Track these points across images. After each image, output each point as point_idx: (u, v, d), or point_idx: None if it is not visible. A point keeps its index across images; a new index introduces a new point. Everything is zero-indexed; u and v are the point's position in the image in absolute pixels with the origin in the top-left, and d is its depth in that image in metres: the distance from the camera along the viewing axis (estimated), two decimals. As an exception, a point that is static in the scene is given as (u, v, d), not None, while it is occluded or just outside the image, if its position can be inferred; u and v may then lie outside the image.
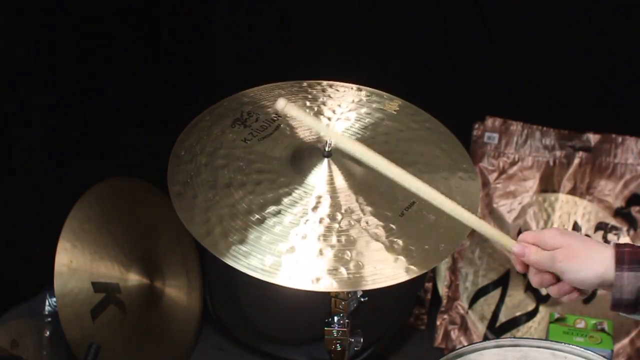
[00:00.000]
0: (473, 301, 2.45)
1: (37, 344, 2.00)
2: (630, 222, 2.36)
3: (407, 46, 2.57)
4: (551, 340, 1.44)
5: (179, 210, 1.32)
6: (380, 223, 1.33)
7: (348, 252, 1.28)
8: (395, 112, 1.56)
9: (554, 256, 1.21)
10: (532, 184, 2.44)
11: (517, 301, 2.42)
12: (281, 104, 1.24)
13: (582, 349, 1.39)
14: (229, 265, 1.25)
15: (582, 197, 2.41)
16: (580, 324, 2.08)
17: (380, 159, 1.26)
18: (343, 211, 1.33)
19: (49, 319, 2.04)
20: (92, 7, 2.20)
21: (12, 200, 2.05)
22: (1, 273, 2.06)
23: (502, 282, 2.44)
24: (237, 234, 1.28)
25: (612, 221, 2.37)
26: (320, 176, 1.37)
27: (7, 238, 2.07)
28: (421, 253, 1.31)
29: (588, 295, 2.34)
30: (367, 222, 1.32)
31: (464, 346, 1.43)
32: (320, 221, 1.31)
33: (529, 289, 2.41)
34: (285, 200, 1.33)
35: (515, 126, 2.46)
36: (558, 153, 2.43)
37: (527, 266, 1.27)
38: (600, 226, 2.38)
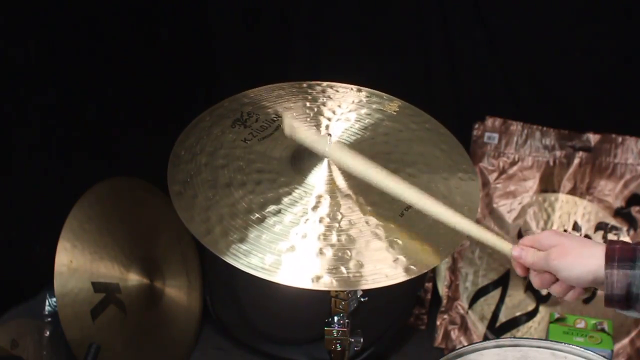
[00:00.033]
0: (473, 301, 2.45)
1: (37, 344, 2.00)
2: (630, 222, 2.36)
3: (407, 46, 2.57)
4: (551, 340, 1.44)
5: (179, 210, 1.32)
6: (380, 223, 1.33)
7: (348, 252, 1.28)
8: (394, 113, 1.56)
9: (549, 255, 1.23)
10: (532, 184, 2.44)
11: (517, 301, 2.42)
12: (288, 130, 1.35)
13: (582, 349, 1.39)
14: (229, 265, 1.25)
15: (582, 197, 2.41)
16: (580, 324, 2.08)
17: (384, 177, 1.30)
18: (343, 211, 1.33)
19: (49, 319, 2.04)
20: (92, 7, 2.20)
21: (12, 200, 2.05)
22: (1, 273, 2.06)
23: (502, 282, 2.44)
24: (237, 233, 1.28)
25: (612, 221, 2.37)
26: (320, 176, 1.37)
27: (7, 238, 2.07)
28: (421, 253, 1.31)
29: (589, 295, 2.34)
30: (367, 222, 1.32)
31: (464, 346, 1.43)
32: (320, 220, 1.31)
33: (529, 289, 2.41)
34: (285, 200, 1.33)
35: (515, 126, 2.46)
36: (558, 153, 2.43)
37: (527, 270, 1.29)
38: (600, 226, 2.38)
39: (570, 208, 2.41)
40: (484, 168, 2.47)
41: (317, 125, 1.50)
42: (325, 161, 1.39)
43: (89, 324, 2.02)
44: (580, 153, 2.41)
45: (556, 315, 2.13)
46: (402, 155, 1.47)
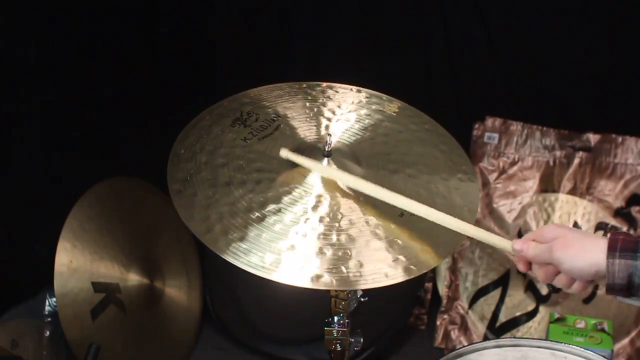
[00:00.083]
0: (473, 301, 2.45)
1: (37, 344, 2.00)
2: (630, 222, 2.36)
3: (407, 46, 2.57)
4: (551, 340, 1.44)
5: (178, 208, 1.32)
6: (380, 223, 1.33)
7: (348, 251, 1.28)
8: (394, 114, 1.56)
9: (552, 246, 1.23)
10: (532, 184, 2.44)
11: (517, 301, 2.42)
12: (284, 154, 1.38)
13: (582, 349, 1.39)
14: (229, 265, 1.25)
15: (582, 197, 2.41)
16: (580, 324, 2.08)
17: (383, 191, 1.31)
18: (343, 210, 1.33)
19: (49, 319, 2.04)
20: (92, 7, 2.20)
21: (12, 200, 2.05)
22: (1, 273, 2.06)
23: (502, 282, 2.44)
24: (237, 232, 1.28)
25: (612, 221, 2.37)
26: (320, 175, 1.37)
27: (7, 238, 2.07)
28: (421, 253, 1.31)
29: (591, 293, 2.34)
30: (367, 222, 1.33)
31: (464, 346, 1.43)
32: (321, 220, 1.31)
33: (529, 289, 2.41)
34: (286, 199, 1.33)
35: (515, 126, 2.46)
36: (558, 153, 2.43)
37: (529, 265, 1.29)
38: (600, 226, 2.38)
39: (570, 208, 2.41)
40: (484, 168, 2.47)
41: (317, 126, 1.50)
42: (325, 161, 1.39)
43: (89, 324, 2.02)
44: (580, 153, 2.41)
45: (556, 315, 2.13)
46: (402, 156, 1.47)
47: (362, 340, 1.50)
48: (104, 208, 2.15)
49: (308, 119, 1.50)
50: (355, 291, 1.44)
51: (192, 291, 2.45)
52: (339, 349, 1.47)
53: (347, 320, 1.45)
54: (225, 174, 1.37)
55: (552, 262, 1.23)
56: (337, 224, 1.31)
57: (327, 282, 1.24)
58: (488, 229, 2.41)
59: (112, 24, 2.30)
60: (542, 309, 2.39)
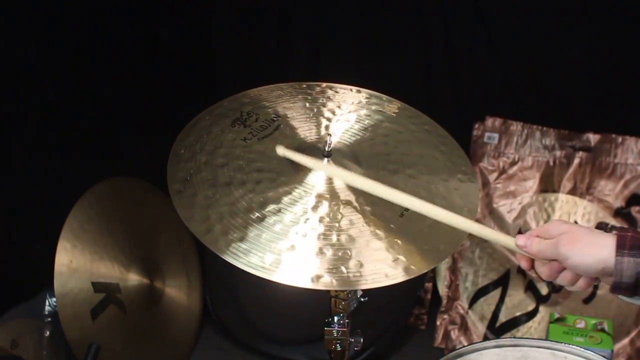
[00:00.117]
0: (473, 301, 2.45)
1: (37, 344, 2.00)
2: (630, 222, 2.36)
3: (407, 46, 2.57)
4: (551, 340, 1.44)
5: (178, 208, 1.32)
6: (380, 223, 1.33)
7: (348, 251, 1.28)
8: (394, 115, 1.56)
9: (558, 241, 1.20)
10: (532, 184, 2.44)
11: (517, 301, 2.42)
12: (280, 151, 1.37)
13: (582, 349, 1.39)
14: (229, 265, 1.25)
15: (582, 197, 2.41)
16: (580, 324, 2.08)
17: (384, 188, 1.30)
18: (343, 211, 1.33)
19: (49, 319, 2.04)
20: (92, 7, 2.20)
21: (12, 200, 2.05)
22: (1, 273, 2.06)
23: (502, 282, 2.44)
24: (237, 232, 1.28)
25: (612, 221, 2.37)
26: (320, 176, 1.37)
27: (7, 238, 2.07)
28: (421, 253, 1.31)
29: (591, 293, 2.34)
30: (367, 222, 1.33)
31: (464, 346, 1.43)
32: (321, 220, 1.31)
33: (529, 289, 2.41)
34: (286, 199, 1.33)
35: (515, 126, 2.46)
36: (558, 153, 2.43)
37: (531, 262, 1.26)
38: (600, 226, 2.37)
39: (570, 208, 2.41)
40: (484, 168, 2.47)
41: (317, 126, 1.50)
42: (325, 161, 1.39)
43: (89, 324, 2.02)
44: (580, 153, 2.41)
45: (556, 315, 2.13)
46: (402, 157, 1.47)
47: (362, 340, 1.50)
48: (104, 208, 2.15)
49: (308, 119, 1.50)
50: (355, 291, 1.44)
51: (192, 291, 2.45)
52: (339, 349, 1.47)
53: (347, 320, 1.45)
54: (225, 174, 1.37)
55: (558, 257, 1.21)
56: (337, 224, 1.31)
57: (327, 282, 1.24)
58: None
59: (112, 24, 2.30)
60: (542, 309, 2.39)
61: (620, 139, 2.39)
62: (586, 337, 2.01)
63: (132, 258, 2.21)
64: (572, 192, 2.42)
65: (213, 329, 2.52)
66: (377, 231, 1.32)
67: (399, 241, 1.31)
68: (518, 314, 2.41)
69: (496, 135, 2.46)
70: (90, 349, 1.91)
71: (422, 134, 1.54)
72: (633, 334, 2.31)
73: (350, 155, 1.43)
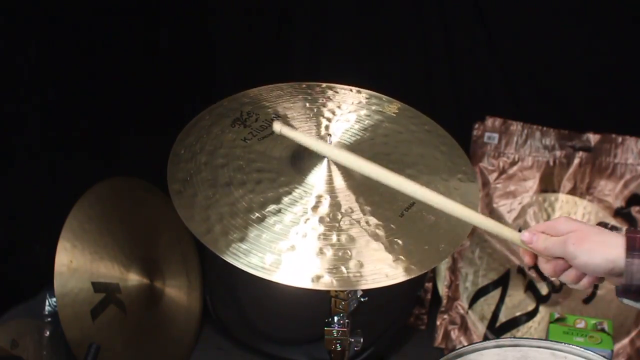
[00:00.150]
0: (473, 301, 2.45)
1: (37, 344, 2.00)
2: (630, 222, 2.36)
3: (407, 46, 2.57)
4: (551, 340, 1.44)
5: (178, 208, 1.32)
6: (380, 223, 1.33)
7: (348, 252, 1.28)
8: (394, 115, 1.56)
9: (566, 240, 1.19)
10: (532, 184, 2.44)
11: (517, 301, 2.42)
12: (277, 128, 1.35)
13: (582, 349, 1.39)
14: (229, 265, 1.25)
15: (582, 197, 2.41)
16: (580, 324, 2.08)
17: (382, 171, 1.28)
18: (343, 211, 1.33)
19: (49, 319, 2.04)
20: (92, 7, 2.20)
21: (12, 200, 2.05)
22: (1, 273, 2.06)
23: (502, 282, 2.44)
24: (237, 232, 1.28)
25: (612, 221, 2.37)
26: (320, 176, 1.37)
27: (7, 238, 2.07)
28: (421, 253, 1.31)
29: (591, 293, 2.34)
30: (367, 222, 1.32)
31: (464, 346, 1.43)
32: (321, 220, 1.31)
33: (529, 289, 2.41)
34: (286, 199, 1.33)
35: (515, 126, 2.46)
36: (558, 153, 2.43)
37: (535, 258, 1.25)
38: (600, 226, 2.37)
39: (570, 208, 2.41)
40: (484, 168, 2.47)
41: (317, 126, 1.50)
42: (325, 161, 1.39)
43: (89, 324, 2.02)
44: (580, 153, 2.41)
45: (556, 315, 2.13)
46: (402, 157, 1.47)
47: (362, 340, 1.50)
48: (104, 208, 2.15)
49: (308, 119, 1.50)
50: (355, 291, 1.44)
51: (192, 291, 2.45)
52: (339, 349, 1.47)
53: (347, 320, 1.45)
54: (225, 175, 1.37)
55: (565, 256, 1.19)
56: (337, 224, 1.31)
57: (327, 282, 1.24)
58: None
59: (112, 24, 2.30)
60: (542, 309, 2.39)
61: (620, 139, 2.39)
62: (586, 337, 2.01)
63: (132, 258, 2.21)
64: (572, 192, 2.42)
65: (213, 329, 2.52)
66: (377, 231, 1.32)
67: (399, 241, 1.31)
68: (518, 314, 2.41)
69: (496, 135, 2.46)
70: (90, 349, 1.91)
71: (422, 134, 1.54)
72: (633, 334, 2.31)
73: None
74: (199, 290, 2.48)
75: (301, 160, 1.40)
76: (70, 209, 2.05)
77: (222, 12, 2.64)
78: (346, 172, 1.39)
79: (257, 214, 1.30)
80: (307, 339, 2.36)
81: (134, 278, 2.21)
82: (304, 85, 1.58)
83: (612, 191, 2.39)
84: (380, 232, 1.31)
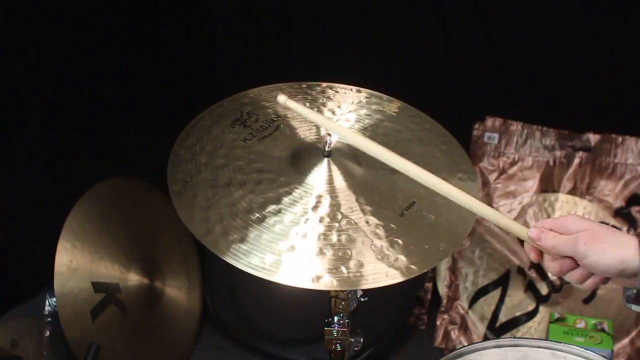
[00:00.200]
0: (473, 301, 2.45)
1: (37, 344, 2.00)
2: (630, 222, 2.36)
3: (407, 46, 2.57)
4: (551, 340, 1.44)
5: (178, 209, 1.32)
6: (380, 223, 1.33)
7: (348, 251, 1.28)
8: (394, 114, 1.56)
9: (577, 238, 1.17)
10: (532, 184, 2.44)
11: (517, 301, 2.42)
12: (282, 99, 1.33)
13: (582, 349, 1.39)
14: (229, 265, 1.25)
15: (582, 197, 2.41)
16: (580, 324, 2.08)
17: (384, 151, 1.28)
18: (343, 211, 1.33)
19: (49, 319, 2.04)
20: (92, 7, 2.20)
21: (12, 200, 2.05)
22: (1, 273, 2.06)
23: (502, 282, 2.44)
24: (237, 233, 1.28)
25: (612, 221, 2.37)
26: (320, 176, 1.37)
27: (7, 238, 2.07)
28: (421, 253, 1.31)
29: (591, 293, 2.34)
30: (367, 222, 1.33)
31: (464, 346, 1.43)
32: (321, 220, 1.31)
33: (529, 289, 2.41)
34: (286, 200, 1.33)
35: (515, 126, 2.46)
36: (558, 153, 2.43)
37: (540, 254, 1.23)
38: (601, 226, 2.37)
39: (570, 208, 2.41)
40: (484, 168, 2.47)
41: (317, 126, 1.50)
42: (325, 161, 1.39)
43: (89, 324, 2.02)
44: (580, 153, 2.41)
45: (556, 315, 2.13)
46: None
47: (362, 340, 1.50)
48: (104, 208, 2.15)
49: (308, 119, 1.50)
50: (355, 291, 1.44)
51: (192, 291, 2.45)
52: (339, 349, 1.47)
53: (347, 320, 1.45)
54: (225, 175, 1.37)
55: (575, 255, 1.17)
56: (337, 224, 1.31)
57: (327, 282, 1.24)
58: (488, 229, 2.42)
59: (112, 24, 2.30)
60: (542, 309, 2.39)
61: (620, 139, 2.39)
62: (586, 337, 2.02)
63: (132, 258, 2.21)
64: (572, 192, 2.42)
65: (213, 329, 2.52)
66: (377, 231, 1.32)
67: (399, 241, 1.31)
68: (518, 314, 2.41)
69: (496, 135, 2.46)
70: (90, 349, 1.91)
71: (422, 133, 1.54)
72: (633, 334, 2.31)
73: (350, 155, 1.43)
74: (199, 290, 2.48)
75: (301, 160, 1.40)
76: (70, 209, 2.05)
77: (222, 12, 2.64)
78: (346, 172, 1.39)
79: (257, 215, 1.31)
80: (307, 339, 2.36)
81: (134, 278, 2.21)
82: (304, 85, 1.58)
83: (612, 191, 2.39)
84: (381, 232, 1.32)
